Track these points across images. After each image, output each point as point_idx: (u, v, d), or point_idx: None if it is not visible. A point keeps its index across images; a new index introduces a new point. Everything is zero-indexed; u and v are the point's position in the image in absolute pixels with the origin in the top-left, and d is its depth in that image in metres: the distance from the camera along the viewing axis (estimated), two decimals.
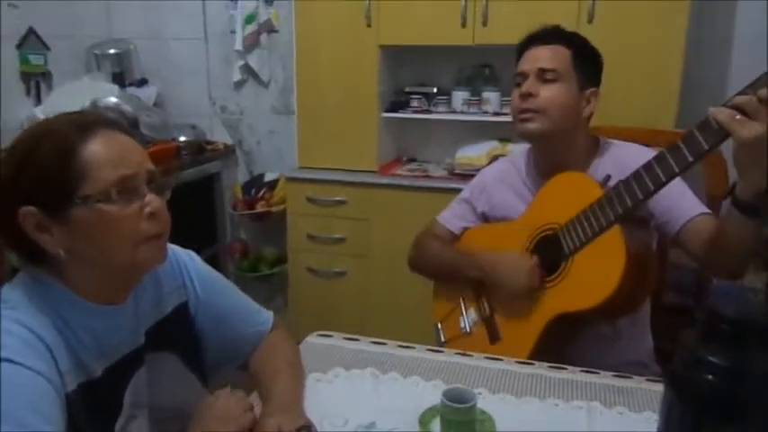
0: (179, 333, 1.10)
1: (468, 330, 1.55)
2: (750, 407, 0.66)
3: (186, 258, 1.14)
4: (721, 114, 1.08)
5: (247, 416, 1.00)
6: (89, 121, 0.92)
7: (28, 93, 3.04)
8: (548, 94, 1.42)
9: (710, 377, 0.66)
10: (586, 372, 1.21)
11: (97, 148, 0.89)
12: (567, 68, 1.43)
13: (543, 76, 1.43)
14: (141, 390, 1.02)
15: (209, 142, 3.37)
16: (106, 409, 0.96)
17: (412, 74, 3.06)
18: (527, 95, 1.43)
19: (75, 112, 0.97)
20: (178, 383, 1.09)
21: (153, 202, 0.93)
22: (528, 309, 1.40)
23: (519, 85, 1.46)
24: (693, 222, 1.35)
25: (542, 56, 1.44)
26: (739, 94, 1.08)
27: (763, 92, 1.04)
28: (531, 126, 1.43)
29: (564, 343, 1.38)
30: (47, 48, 3.06)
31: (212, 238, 3.40)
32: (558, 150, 1.47)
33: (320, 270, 2.92)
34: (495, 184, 1.61)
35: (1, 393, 0.78)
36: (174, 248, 1.10)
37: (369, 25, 2.71)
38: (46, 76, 3.13)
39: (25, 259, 0.94)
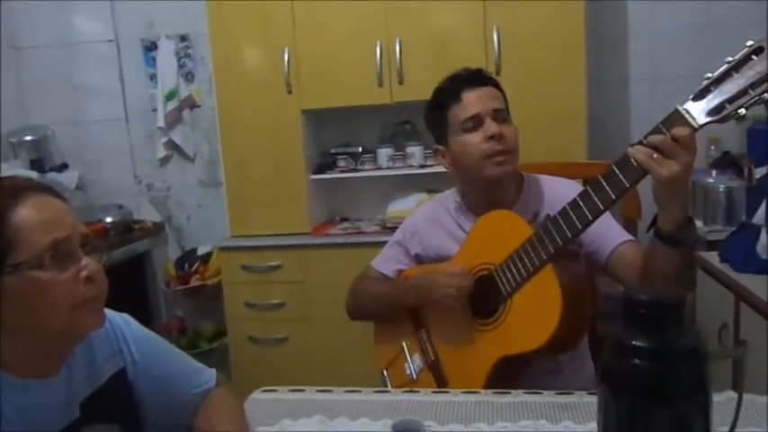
0: (117, 402, 1.05)
1: (414, 378, 1.54)
2: (676, 384, 0.69)
3: (121, 322, 1.10)
4: (639, 154, 1.10)
5: None
6: (19, 186, 0.90)
7: None
8: (509, 133, 1.43)
9: (637, 361, 0.70)
10: (531, 393, 1.23)
11: (27, 213, 0.87)
12: (507, 108, 1.48)
13: (498, 116, 1.43)
14: None
15: (136, 221, 3.33)
16: None
17: (336, 135, 3.13)
18: (499, 136, 1.40)
19: (3, 177, 0.94)
20: None
21: (89, 265, 0.91)
22: (473, 352, 1.41)
23: (471, 128, 1.43)
24: (619, 251, 1.39)
25: (488, 97, 1.44)
26: (654, 131, 1.10)
27: (676, 131, 1.07)
28: (508, 168, 1.43)
29: (510, 383, 1.37)
30: None
31: (146, 319, 3.28)
32: (499, 188, 1.48)
33: (262, 338, 2.87)
34: (427, 226, 1.62)
35: None
36: (107, 313, 1.05)
37: (290, 92, 2.79)
38: None
39: None
